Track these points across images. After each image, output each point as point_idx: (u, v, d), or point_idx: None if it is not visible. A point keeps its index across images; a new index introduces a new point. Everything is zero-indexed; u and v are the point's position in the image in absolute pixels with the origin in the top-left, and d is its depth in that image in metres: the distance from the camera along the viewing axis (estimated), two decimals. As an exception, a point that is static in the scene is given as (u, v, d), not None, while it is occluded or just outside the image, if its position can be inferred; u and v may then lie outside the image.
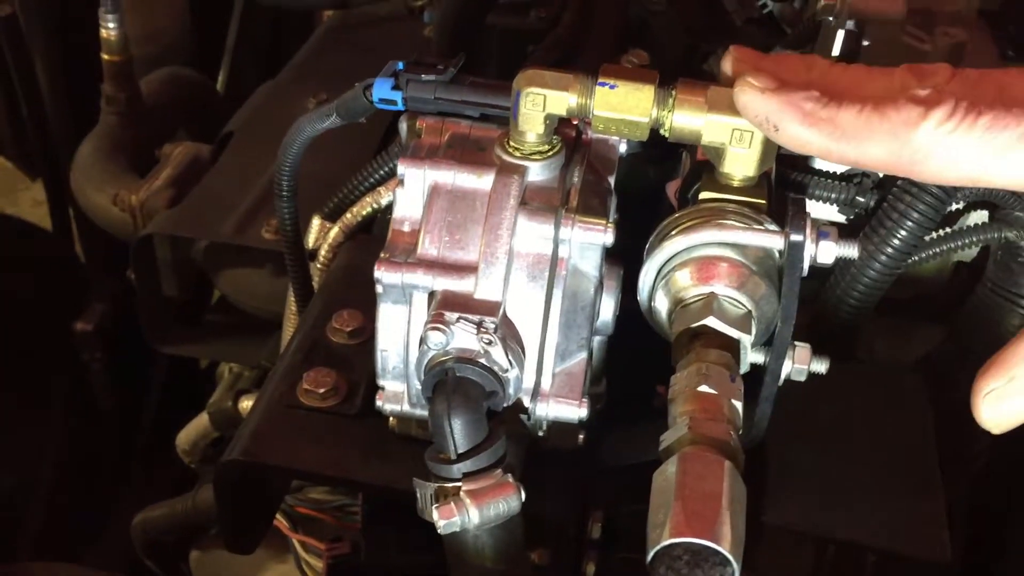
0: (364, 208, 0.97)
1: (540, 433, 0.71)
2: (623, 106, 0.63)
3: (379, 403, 0.71)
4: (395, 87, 0.73)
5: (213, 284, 1.33)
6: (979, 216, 0.90)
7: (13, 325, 1.51)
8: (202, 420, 1.31)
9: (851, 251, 0.63)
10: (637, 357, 0.74)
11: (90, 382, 1.64)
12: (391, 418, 0.74)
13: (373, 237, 0.97)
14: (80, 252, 1.77)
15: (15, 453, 1.51)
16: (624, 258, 0.71)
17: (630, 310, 0.71)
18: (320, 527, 1.12)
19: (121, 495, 1.61)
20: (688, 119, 0.62)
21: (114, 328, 1.60)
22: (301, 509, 1.12)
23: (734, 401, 0.60)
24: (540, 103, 0.64)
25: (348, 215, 0.97)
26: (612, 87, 0.62)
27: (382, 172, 0.97)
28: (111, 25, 1.33)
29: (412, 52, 0.76)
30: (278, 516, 1.11)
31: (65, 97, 1.60)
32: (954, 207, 0.89)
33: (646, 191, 0.84)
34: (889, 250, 0.82)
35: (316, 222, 1.00)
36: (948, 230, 0.88)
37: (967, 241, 0.87)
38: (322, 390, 0.78)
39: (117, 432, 1.69)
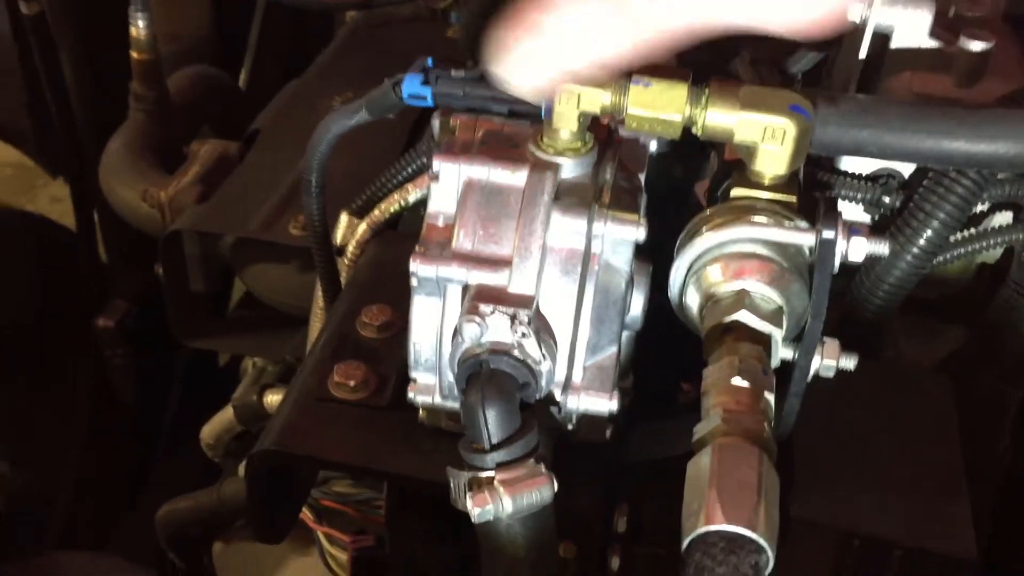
0: (392, 205, 0.97)
1: (569, 426, 0.72)
2: (657, 104, 0.64)
3: (411, 395, 0.73)
4: (424, 83, 0.74)
5: (239, 279, 1.34)
6: (1003, 217, 0.91)
7: (36, 321, 1.52)
8: (227, 414, 1.32)
9: (882, 248, 0.64)
10: (662, 353, 0.75)
11: (112, 377, 1.65)
12: (421, 410, 0.75)
13: (400, 233, 0.98)
14: (102, 249, 1.78)
15: (40, 446, 1.53)
16: (650, 255, 0.72)
17: (655, 306, 0.72)
18: (344, 520, 1.13)
19: (144, 488, 1.62)
20: (721, 117, 0.63)
21: (136, 324, 1.61)
22: (326, 502, 1.13)
23: (766, 394, 0.61)
24: (575, 101, 0.65)
25: (376, 211, 0.98)
26: (646, 85, 0.63)
27: (410, 169, 0.98)
28: (141, 24, 1.34)
29: (435, 53, 0.76)
30: (303, 509, 1.12)
31: (92, 95, 1.62)
32: (979, 208, 0.90)
33: (672, 189, 0.85)
34: (915, 249, 0.83)
35: (344, 218, 1.01)
36: (972, 231, 0.89)
37: (991, 242, 0.88)
38: (352, 383, 0.79)
39: (140, 426, 1.71)
